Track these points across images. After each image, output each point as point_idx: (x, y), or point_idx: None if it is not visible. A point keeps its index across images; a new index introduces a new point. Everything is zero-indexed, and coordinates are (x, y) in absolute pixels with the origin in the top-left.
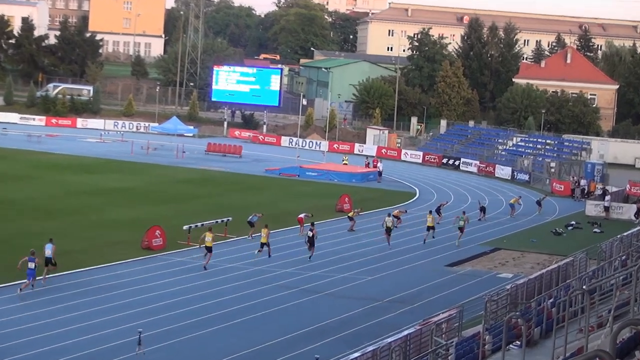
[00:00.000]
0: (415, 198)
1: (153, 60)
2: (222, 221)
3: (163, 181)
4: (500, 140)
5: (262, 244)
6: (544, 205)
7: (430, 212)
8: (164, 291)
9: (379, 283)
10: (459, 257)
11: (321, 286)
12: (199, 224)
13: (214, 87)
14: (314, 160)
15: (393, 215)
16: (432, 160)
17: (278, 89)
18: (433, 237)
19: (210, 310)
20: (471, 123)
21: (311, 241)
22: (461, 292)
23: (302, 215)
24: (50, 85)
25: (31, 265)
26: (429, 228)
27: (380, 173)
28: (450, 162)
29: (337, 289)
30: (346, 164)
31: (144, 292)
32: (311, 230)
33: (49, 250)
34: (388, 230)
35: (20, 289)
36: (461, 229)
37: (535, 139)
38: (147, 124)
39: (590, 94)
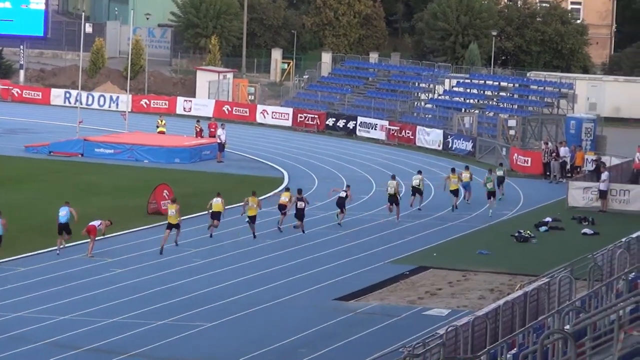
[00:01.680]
0: (282, 186)
1: None
2: None
3: None
4: (423, 85)
5: (171, 225)
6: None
7: (453, 170)
8: None
9: (224, 333)
10: (358, 285)
11: (121, 341)
12: None
13: None
14: (109, 129)
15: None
16: (310, 121)
17: (43, 7)
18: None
19: None
20: (374, 57)
21: (300, 214)
22: (363, 344)
23: (95, 224)
24: None
25: None
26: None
27: (222, 146)
28: (341, 123)
29: (153, 346)
30: (163, 132)
31: None
32: (300, 199)
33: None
34: (392, 199)
35: None
36: (492, 193)
37: (482, 81)
38: None
39: (572, 3)
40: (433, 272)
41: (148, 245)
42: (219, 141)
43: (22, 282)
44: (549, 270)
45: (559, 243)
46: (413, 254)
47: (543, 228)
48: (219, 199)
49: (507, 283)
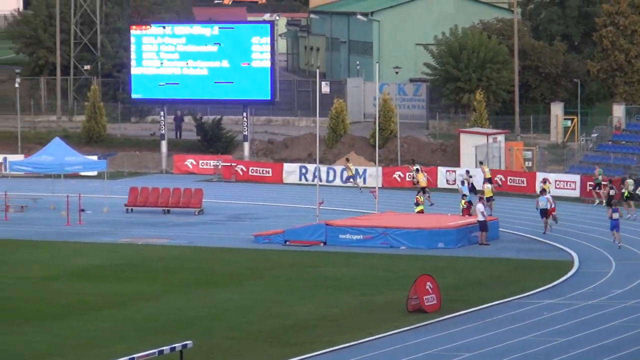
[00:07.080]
0: (572, 272)
1: (3, 22)
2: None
3: (37, 276)
4: None
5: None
6: None
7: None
8: None
9: None
10: None
11: None
12: None
13: (134, 70)
14: (355, 210)
15: None
16: (602, 190)
17: (269, 64)
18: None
19: None
20: None
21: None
22: None
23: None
24: None
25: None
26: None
27: (484, 224)
28: None
29: None
30: (422, 211)
31: None
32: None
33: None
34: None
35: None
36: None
37: None
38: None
39: None
40: None
41: (414, 350)
42: (480, 218)
43: None
44: None
45: None
46: None
47: None
48: None
49: None
